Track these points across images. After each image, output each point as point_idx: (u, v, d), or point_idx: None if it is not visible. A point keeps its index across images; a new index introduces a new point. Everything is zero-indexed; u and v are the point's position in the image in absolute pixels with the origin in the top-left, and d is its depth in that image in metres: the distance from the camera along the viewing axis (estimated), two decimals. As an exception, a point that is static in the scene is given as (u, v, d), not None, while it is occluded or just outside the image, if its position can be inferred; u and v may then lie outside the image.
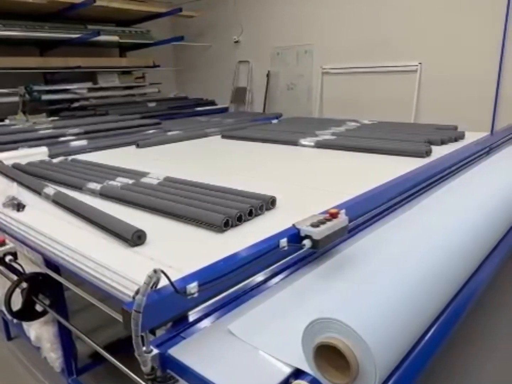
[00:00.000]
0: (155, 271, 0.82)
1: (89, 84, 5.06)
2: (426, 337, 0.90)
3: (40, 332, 1.83)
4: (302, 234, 1.18)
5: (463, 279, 1.12)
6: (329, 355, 0.75)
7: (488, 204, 1.53)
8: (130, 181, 1.98)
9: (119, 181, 1.98)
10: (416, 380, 0.86)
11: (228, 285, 1.03)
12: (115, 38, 5.21)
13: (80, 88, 4.92)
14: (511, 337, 2.12)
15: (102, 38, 4.92)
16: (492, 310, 2.34)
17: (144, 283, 0.81)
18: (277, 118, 4.53)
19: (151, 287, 0.85)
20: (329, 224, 1.21)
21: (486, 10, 3.98)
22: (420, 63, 4.53)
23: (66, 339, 1.80)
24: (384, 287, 0.87)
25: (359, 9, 4.82)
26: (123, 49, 5.91)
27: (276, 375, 0.80)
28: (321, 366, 0.75)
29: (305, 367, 0.79)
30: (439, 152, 2.56)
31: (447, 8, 4.21)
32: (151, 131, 3.68)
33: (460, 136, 3.13)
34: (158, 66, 5.78)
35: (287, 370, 0.81)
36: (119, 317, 0.92)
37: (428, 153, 2.55)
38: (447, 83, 4.36)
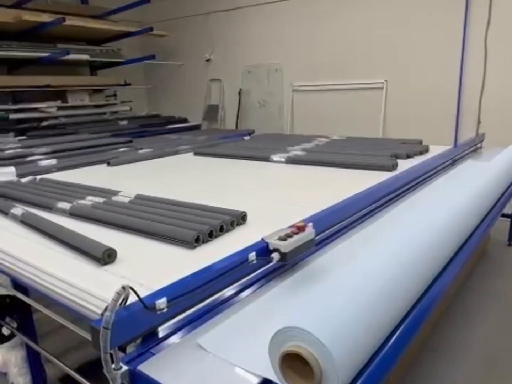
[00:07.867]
0: (123, 287, 0.83)
1: (59, 103, 5.00)
2: (389, 344, 0.94)
3: (7, 356, 1.77)
4: (271, 247, 1.22)
5: (422, 289, 1.18)
6: (294, 363, 0.78)
7: (448, 215, 1.60)
8: (101, 200, 1.97)
9: (90, 200, 1.97)
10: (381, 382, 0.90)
11: (197, 300, 1.05)
12: (85, 56, 5.19)
13: (49, 107, 4.86)
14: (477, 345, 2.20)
15: (72, 57, 4.90)
16: (461, 320, 2.42)
17: (112, 299, 0.81)
18: (249, 134, 4.59)
19: (120, 304, 0.86)
20: (296, 237, 1.24)
21: (445, 29, 4.21)
22: (385, 80, 4.72)
23: (34, 363, 1.76)
24: (347, 297, 0.90)
25: (327, 28, 5.00)
26: (94, 67, 5.90)
27: (245, 386, 0.83)
28: (287, 374, 0.78)
29: (272, 377, 0.81)
30: (405, 165, 2.66)
31: (409, 28, 4.42)
32: (122, 149, 3.66)
33: (425, 150, 3.26)
34: (129, 84, 5.77)
35: (255, 381, 0.83)
36: (89, 337, 0.92)
37: (394, 166, 2.64)
38: (412, 99, 4.56)
